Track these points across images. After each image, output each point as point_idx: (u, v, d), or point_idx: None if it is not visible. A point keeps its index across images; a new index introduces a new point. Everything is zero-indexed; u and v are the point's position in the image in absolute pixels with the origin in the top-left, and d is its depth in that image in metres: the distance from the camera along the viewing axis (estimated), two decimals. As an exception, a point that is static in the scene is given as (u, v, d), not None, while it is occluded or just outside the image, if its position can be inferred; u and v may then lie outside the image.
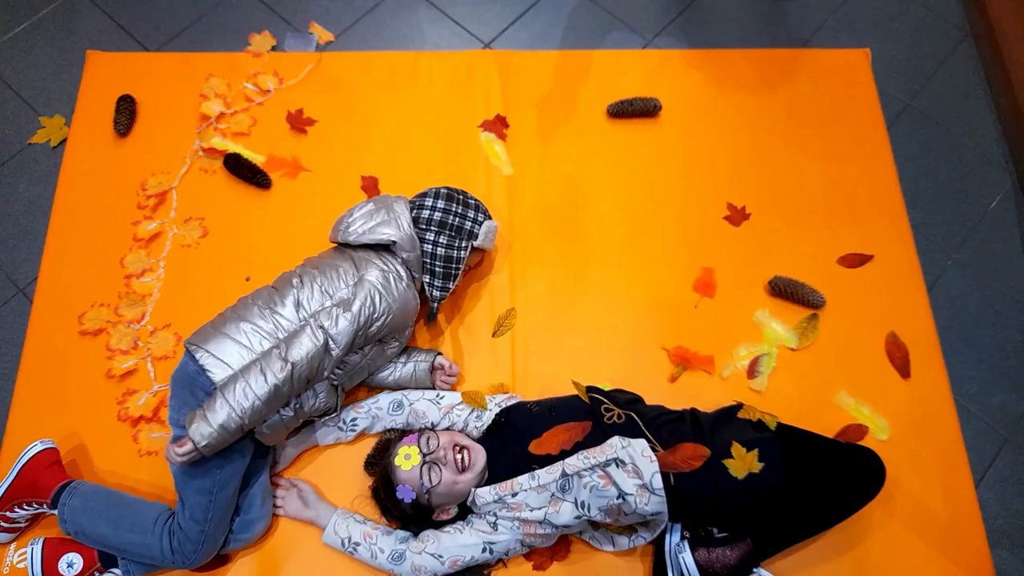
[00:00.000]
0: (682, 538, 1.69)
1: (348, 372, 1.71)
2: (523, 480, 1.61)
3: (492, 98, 2.34)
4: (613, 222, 2.17)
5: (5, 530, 1.72)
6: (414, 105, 2.33)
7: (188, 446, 1.51)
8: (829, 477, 1.65)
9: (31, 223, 2.15)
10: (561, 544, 1.75)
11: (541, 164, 2.25)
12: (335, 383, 1.71)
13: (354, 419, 1.82)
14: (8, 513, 1.70)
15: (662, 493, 1.58)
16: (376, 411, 1.82)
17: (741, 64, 2.42)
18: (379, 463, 1.72)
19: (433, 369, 1.89)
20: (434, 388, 1.90)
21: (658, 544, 1.71)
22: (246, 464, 1.66)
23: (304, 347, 1.57)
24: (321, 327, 1.59)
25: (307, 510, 1.75)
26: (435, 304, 1.86)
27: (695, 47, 2.49)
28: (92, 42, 2.44)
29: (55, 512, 1.68)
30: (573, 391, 1.79)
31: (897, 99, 2.44)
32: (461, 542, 1.63)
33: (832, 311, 2.05)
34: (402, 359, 1.88)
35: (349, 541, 1.67)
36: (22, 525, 1.74)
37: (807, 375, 1.98)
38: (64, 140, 2.26)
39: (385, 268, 1.73)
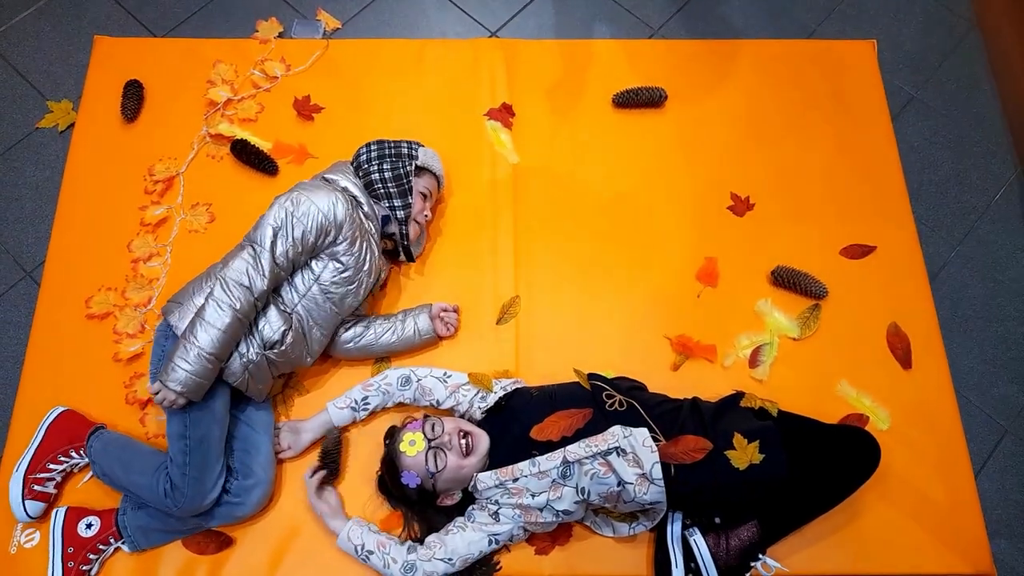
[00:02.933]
0: (687, 525, 1.71)
1: (300, 297, 1.74)
2: (524, 466, 1.62)
3: (498, 86, 2.34)
4: (617, 211, 2.18)
5: (37, 496, 1.74)
6: (420, 93, 2.33)
7: (161, 392, 1.59)
8: (828, 463, 1.66)
9: (38, 207, 2.17)
10: (562, 528, 1.77)
11: (547, 153, 2.25)
12: (284, 308, 1.73)
13: (365, 398, 1.83)
14: (41, 474, 1.75)
15: (661, 483, 1.59)
16: (385, 387, 1.84)
17: (747, 54, 2.42)
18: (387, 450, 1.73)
19: (432, 319, 1.93)
20: (440, 337, 1.96)
21: (659, 532, 1.72)
22: (220, 408, 1.68)
23: (232, 257, 1.67)
24: (247, 236, 1.72)
25: (324, 506, 1.73)
26: (405, 228, 1.90)
27: (701, 37, 2.49)
28: (99, 27, 2.44)
29: (87, 460, 1.78)
30: (575, 379, 1.80)
31: (902, 90, 2.44)
32: (467, 540, 1.64)
33: (834, 301, 2.06)
34: (399, 317, 1.93)
35: (363, 548, 1.66)
36: (52, 491, 1.77)
37: (809, 365, 1.99)
38: (72, 125, 2.27)
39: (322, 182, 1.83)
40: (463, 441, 1.65)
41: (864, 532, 1.80)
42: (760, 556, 1.68)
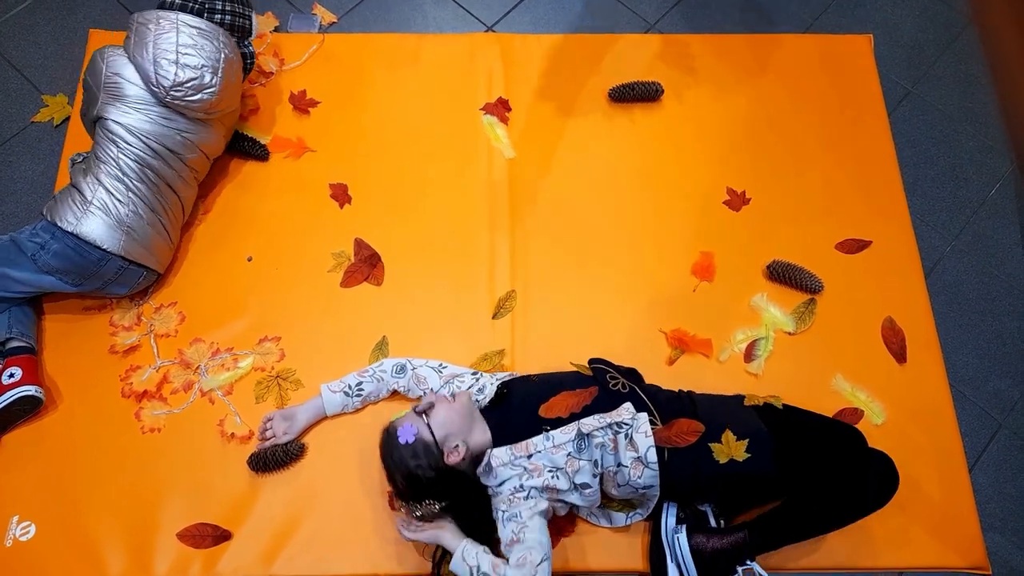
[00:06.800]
0: (678, 522, 1.71)
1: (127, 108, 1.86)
2: (538, 440, 1.62)
3: (494, 81, 2.34)
4: (613, 205, 2.18)
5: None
6: (416, 87, 2.33)
7: None
8: (836, 484, 1.61)
9: (34, 201, 2.16)
10: (567, 522, 1.77)
11: (543, 147, 2.25)
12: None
13: (359, 383, 1.84)
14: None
15: (656, 467, 1.61)
16: (380, 374, 1.84)
17: (743, 49, 2.42)
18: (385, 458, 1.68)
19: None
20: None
21: (655, 527, 1.72)
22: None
23: None
24: None
25: (444, 533, 1.65)
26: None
27: (697, 31, 2.49)
28: (94, 21, 2.44)
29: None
30: (572, 370, 1.80)
31: (899, 85, 2.44)
32: (535, 528, 1.56)
33: (830, 296, 2.06)
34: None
35: (478, 571, 1.56)
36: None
37: (804, 359, 1.99)
38: (67, 119, 2.27)
39: None
40: (446, 395, 1.69)
41: (858, 526, 1.78)
42: (748, 562, 1.66)
